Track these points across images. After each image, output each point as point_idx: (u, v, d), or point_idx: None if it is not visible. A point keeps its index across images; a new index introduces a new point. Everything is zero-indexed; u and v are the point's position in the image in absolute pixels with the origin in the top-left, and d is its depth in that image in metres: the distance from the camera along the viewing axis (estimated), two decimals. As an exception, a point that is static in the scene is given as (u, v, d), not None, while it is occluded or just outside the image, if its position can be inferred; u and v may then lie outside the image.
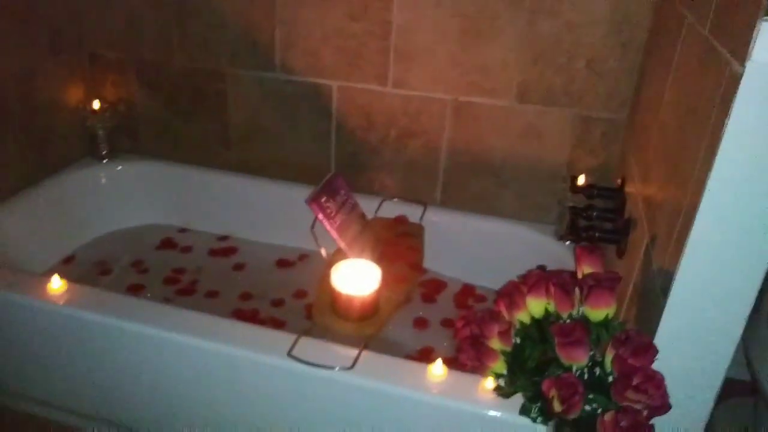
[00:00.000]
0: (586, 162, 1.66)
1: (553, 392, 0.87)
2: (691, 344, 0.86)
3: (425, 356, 1.51)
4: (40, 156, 1.83)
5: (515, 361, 0.97)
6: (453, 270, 1.80)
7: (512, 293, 0.99)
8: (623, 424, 0.83)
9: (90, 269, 1.82)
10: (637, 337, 0.86)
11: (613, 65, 1.55)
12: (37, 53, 1.77)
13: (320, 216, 1.42)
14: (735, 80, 0.71)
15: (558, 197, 1.66)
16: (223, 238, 1.99)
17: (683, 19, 1.07)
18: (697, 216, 0.78)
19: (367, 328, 1.38)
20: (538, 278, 0.96)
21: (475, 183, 1.77)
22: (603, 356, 0.92)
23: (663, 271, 0.89)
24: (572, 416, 0.86)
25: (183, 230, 2.02)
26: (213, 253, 1.92)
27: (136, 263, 1.86)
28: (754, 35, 0.68)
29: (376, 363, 1.20)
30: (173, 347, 1.27)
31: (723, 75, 0.77)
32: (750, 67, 0.69)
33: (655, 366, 0.86)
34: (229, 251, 1.93)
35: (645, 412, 0.83)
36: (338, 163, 1.87)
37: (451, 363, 1.14)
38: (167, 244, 1.96)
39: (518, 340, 0.98)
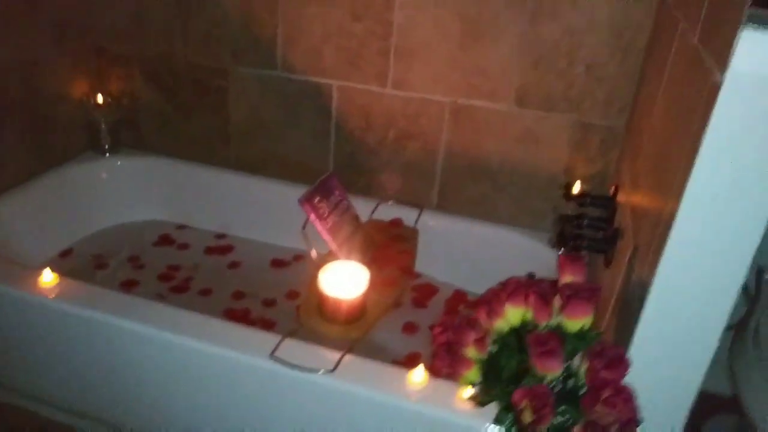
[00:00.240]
0: (583, 169, 1.64)
1: (524, 403, 0.85)
2: (666, 357, 0.84)
3: (412, 362, 1.49)
4: (42, 148, 1.85)
5: (491, 369, 0.95)
6: (446, 275, 1.79)
7: (491, 300, 0.97)
8: (593, 437, 0.81)
9: (87, 263, 1.83)
10: (611, 349, 0.84)
11: (613, 71, 1.52)
12: (42, 44, 1.78)
13: (312, 216, 1.41)
14: (715, 89, 0.69)
15: (554, 204, 1.64)
16: (221, 236, 1.99)
17: (677, 26, 1.05)
18: (673, 226, 0.77)
19: (353, 332, 1.37)
20: (517, 286, 0.94)
21: (472, 187, 1.76)
22: (578, 367, 0.91)
23: (641, 282, 0.87)
24: (542, 428, 0.84)
25: (181, 227, 2.02)
26: (209, 250, 1.92)
27: (132, 258, 1.87)
28: (733, 45, 0.66)
29: (359, 367, 1.19)
30: (158, 344, 1.26)
31: (706, 84, 0.75)
32: (729, 76, 0.67)
33: (629, 378, 0.84)
34: (226, 249, 1.93)
35: (615, 426, 0.81)
36: (336, 163, 1.86)
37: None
38: (165, 240, 1.96)
39: (495, 349, 0.97)
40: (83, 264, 1.81)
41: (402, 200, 1.79)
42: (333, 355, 1.20)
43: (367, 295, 1.39)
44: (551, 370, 0.89)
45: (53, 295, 1.33)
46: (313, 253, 1.42)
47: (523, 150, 1.67)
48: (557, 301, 0.95)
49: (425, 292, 1.75)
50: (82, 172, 1.94)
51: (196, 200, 2.02)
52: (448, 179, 1.77)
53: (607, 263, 1.21)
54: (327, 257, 1.47)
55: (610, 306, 1.10)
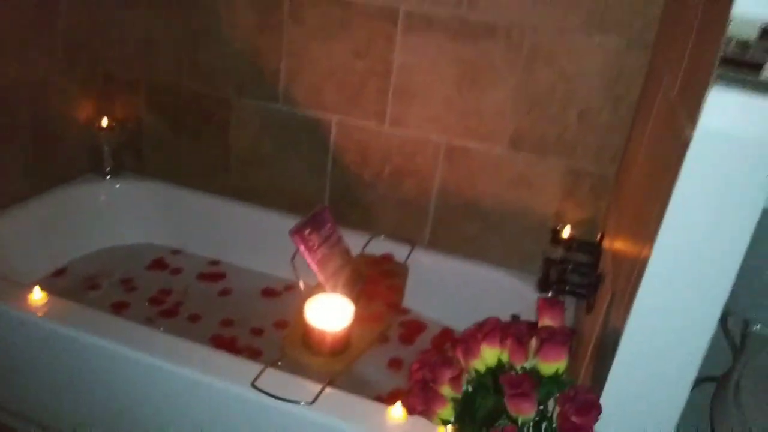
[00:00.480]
0: (574, 214, 1.66)
1: (494, 444, 0.86)
2: (637, 405, 0.84)
3: (395, 398, 1.48)
4: (45, 167, 1.88)
5: (465, 409, 0.95)
6: (434, 312, 1.79)
7: (468, 340, 0.98)
8: (563, 483, 0.81)
9: (79, 283, 1.84)
10: (583, 394, 0.85)
11: (606, 119, 1.56)
12: (53, 67, 1.83)
13: (302, 248, 1.43)
14: (686, 144, 0.72)
15: (543, 247, 1.65)
16: (214, 262, 2.01)
17: (662, 80, 1.08)
18: (645, 275, 0.78)
19: (336, 364, 1.37)
20: (493, 327, 0.95)
21: (465, 226, 1.78)
22: (552, 411, 0.91)
23: (615, 328, 0.88)
24: (511, 471, 0.84)
25: (176, 252, 2.04)
26: (202, 276, 1.94)
27: (125, 281, 1.88)
28: (702, 102, 0.68)
29: (339, 400, 1.20)
30: (141, 368, 1.27)
31: (679, 138, 0.77)
32: (698, 132, 0.69)
33: (601, 425, 0.84)
34: (218, 276, 1.95)
35: (583, 473, 0.81)
36: (332, 196, 1.89)
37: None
38: (158, 264, 1.98)
39: (471, 389, 0.97)
40: (76, 284, 1.83)
41: (394, 236, 1.81)
42: (314, 387, 1.21)
43: (352, 328, 1.39)
44: (524, 413, 0.89)
45: (41, 313, 1.34)
46: (302, 284, 1.44)
47: (515, 192, 1.69)
48: (533, 344, 0.96)
49: (413, 328, 1.75)
50: (82, 193, 1.97)
51: (193, 226, 2.04)
52: (441, 217, 1.79)
53: (589, 309, 1.22)
54: (315, 289, 1.48)
55: (588, 351, 1.10)
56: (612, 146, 1.57)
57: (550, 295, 1.56)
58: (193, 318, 1.75)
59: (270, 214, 1.93)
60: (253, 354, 1.62)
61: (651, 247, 0.78)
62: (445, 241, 1.81)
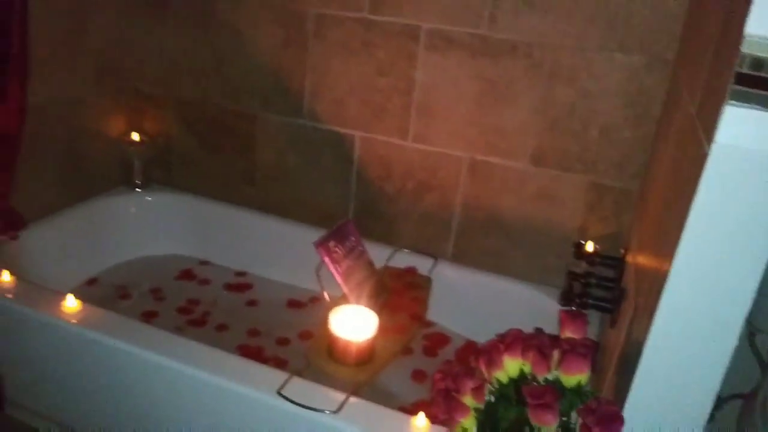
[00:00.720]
0: (597, 229, 1.67)
1: (517, 454, 0.87)
2: (659, 419, 0.85)
3: (419, 409, 1.50)
4: (77, 180, 1.95)
5: (487, 419, 0.97)
6: (458, 325, 1.81)
7: (491, 351, 1.00)
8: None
9: (111, 292, 1.89)
10: (605, 406, 0.86)
11: (627, 135, 1.57)
12: (85, 84, 1.90)
13: (326, 260, 1.46)
14: (703, 159, 0.73)
15: (566, 261, 1.66)
16: (241, 273, 2.05)
17: (681, 97, 1.09)
18: (665, 289, 0.79)
19: (360, 374, 1.39)
20: (515, 338, 0.97)
21: (487, 241, 1.79)
22: (576, 423, 0.92)
23: (638, 342, 0.90)
24: (534, 480, 0.86)
25: (204, 263, 2.09)
26: (229, 287, 1.98)
27: (154, 290, 1.93)
28: (719, 118, 0.70)
29: (362, 410, 1.22)
30: (170, 374, 1.31)
31: (698, 153, 0.79)
32: (714, 148, 0.71)
33: (622, 438, 0.86)
34: (245, 287, 1.99)
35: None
36: (356, 209, 1.92)
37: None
38: (187, 274, 2.03)
39: (493, 399, 0.99)
40: (107, 293, 1.88)
41: (418, 249, 1.84)
42: (339, 396, 1.23)
43: (376, 339, 1.42)
44: (546, 424, 0.91)
45: (75, 321, 1.39)
46: (326, 296, 1.46)
47: (537, 207, 1.71)
48: (556, 356, 0.97)
49: (437, 341, 1.77)
50: (113, 205, 2.03)
51: (220, 238, 2.09)
52: (464, 232, 1.81)
53: (612, 323, 1.23)
54: (340, 300, 1.51)
55: (612, 365, 1.11)
56: (634, 162, 1.58)
57: (573, 308, 1.57)
58: (221, 327, 1.79)
59: (295, 227, 1.97)
60: (279, 363, 1.65)
61: (671, 261, 0.79)
62: (469, 255, 1.83)
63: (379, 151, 1.84)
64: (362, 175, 1.88)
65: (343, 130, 1.86)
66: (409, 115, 1.76)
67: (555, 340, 1.02)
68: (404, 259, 1.80)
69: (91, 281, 1.93)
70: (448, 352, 1.74)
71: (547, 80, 1.59)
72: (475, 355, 1.03)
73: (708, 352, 0.81)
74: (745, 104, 0.68)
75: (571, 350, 0.92)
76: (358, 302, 1.47)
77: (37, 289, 1.50)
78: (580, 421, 0.90)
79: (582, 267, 1.48)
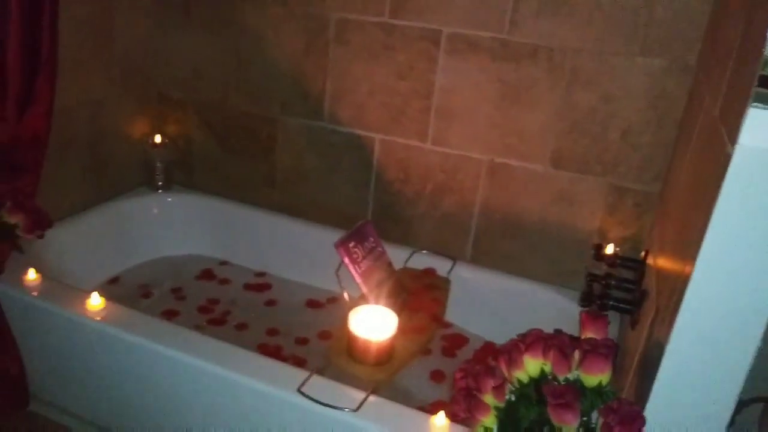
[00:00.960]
0: (617, 231, 1.67)
1: (538, 453, 0.88)
2: (680, 420, 0.86)
3: (438, 409, 1.51)
4: (100, 181, 1.98)
5: (508, 418, 0.98)
6: (477, 326, 1.82)
7: (512, 351, 1.00)
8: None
9: (133, 291, 1.92)
10: (626, 406, 0.86)
11: (648, 139, 1.57)
12: (109, 87, 1.93)
13: (346, 260, 1.48)
14: (727, 161, 0.74)
15: (586, 264, 1.66)
16: (260, 274, 2.07)
17: (704, 99, 1.10)
18: (687, 290, 0.80)
19: (380, 374, 1.40)
20: (536, 338, 0.98)
21: (506, 243, 1.80)
22: (596, 423, 0.93)
23: (659, 343, 0.90)
24: (555, 479, 0.86)
25: (224, 263, 2.11)
26: (248, 287, 2.00)
27: (175, 290, 1.96)
28: (742, 120, 0.71)
29: (382, 408, 1.23)
30: (192, 371, 1.33)
31: (721, 155, 0.79)
32: (738, 149, 0.72)
33: (644, 438, 0.86)
34: (264, 287, 2.01)
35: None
36: (375, 211, 1.94)
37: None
38: (207, 274, 2.05)
39: (513, 398, 0.99)
40: (129, 292, 1.91)
41: (436, 251, 1.85)
42: (358, 395, 1.24)
43: (395, 339, 1.43)
44: (567, 423, 0.91)
45: (99, 318, 1.41)
46: (346, 296, 1.48)
47: (557, 210, 1.71)
48: (577, 356, 0.98)
49: (455, 342, 1.78)
50: (136, 205, 2.06)
51: (240, 239, 2.11)
52: (483, 234, 1.82)
53: (633, 324, 1.23)
54: (359, 300, 1.52)
55: (633, 366, 1.11)
56: (655, 164, 1.58)
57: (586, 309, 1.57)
58: (240, 327, 1.81)
59: (314, 228, 1.98)
60: (298, 363, 1.66)
61: (693, 263, 0.79)
62: (487, 257, 1.83)
63: (398, 153, 1.85)
64: (381, 177, 1.90)
65: (363, 133, 1.87)
66: (429, 118, 1.77)
67: (575, 340, 1.02)
68: (423, 261, 1.81)
69: (114, 280, 1.96)
70: (466, 353, 1.75)
71: (568, 84, 1.60)
72: (495, 355, 1.03)
73: (730, 355, 0.81)
74: (768, 106, 0.68)
75: (592, 350, 0.93)
76: (377, 303, 1.48)
77: (62, 286, 1.53)
78: (601, 420, 0.91)
79: (602, 269, 1.48)
